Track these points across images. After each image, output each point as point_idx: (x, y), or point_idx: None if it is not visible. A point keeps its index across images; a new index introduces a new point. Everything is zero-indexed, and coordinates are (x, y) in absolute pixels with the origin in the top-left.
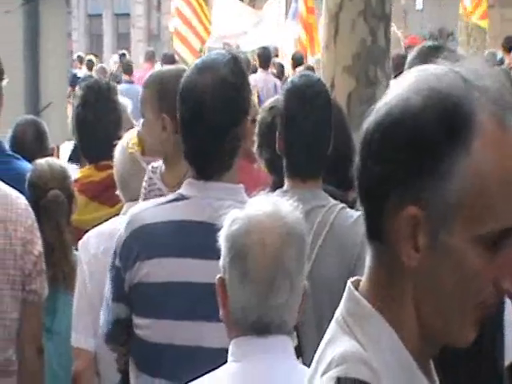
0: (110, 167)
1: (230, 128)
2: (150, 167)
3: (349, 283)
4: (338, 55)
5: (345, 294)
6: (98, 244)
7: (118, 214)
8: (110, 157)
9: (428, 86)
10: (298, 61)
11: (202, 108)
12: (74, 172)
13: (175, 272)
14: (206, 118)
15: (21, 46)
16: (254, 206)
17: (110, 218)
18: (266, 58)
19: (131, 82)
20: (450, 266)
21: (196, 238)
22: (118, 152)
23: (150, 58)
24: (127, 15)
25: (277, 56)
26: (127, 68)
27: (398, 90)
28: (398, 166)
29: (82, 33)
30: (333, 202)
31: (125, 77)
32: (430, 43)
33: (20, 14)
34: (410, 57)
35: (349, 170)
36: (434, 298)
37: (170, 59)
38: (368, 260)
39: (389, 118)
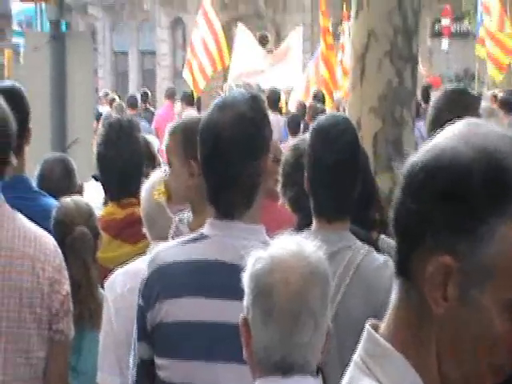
0: (133, 205)
1: (249, 163)
2: (177, 218)
3: (367, 325)
4: (364, 96)
5: (363, 336)
6: (124, 282)
7: (141, 253)
8: (133, 194)
9: (479, 141)
10: (319, 98)
11: (221, 143)
12: (98, 210)
13: (193, 312)
14: (224, 153)
15: (48, 81)
16: (278, 246)
17: (133, 255)
18: (274, 99)
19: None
20: (475, 321)
21: (216, 278)
22: (144, 191)
23: (170, 95)
24: (153, 53)
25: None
26: (132, 103)
27: (446, 137)
28: (437, 210)
29: (107, 70)
30: (359, 244)
31: (130, 111)
32: (453, 86)
33: (47, 51)
34: (434, 99)
35: (371, 210)
36: (453, 349)
37: (188, 98)
38: (394, 298)
39: (435, 162)
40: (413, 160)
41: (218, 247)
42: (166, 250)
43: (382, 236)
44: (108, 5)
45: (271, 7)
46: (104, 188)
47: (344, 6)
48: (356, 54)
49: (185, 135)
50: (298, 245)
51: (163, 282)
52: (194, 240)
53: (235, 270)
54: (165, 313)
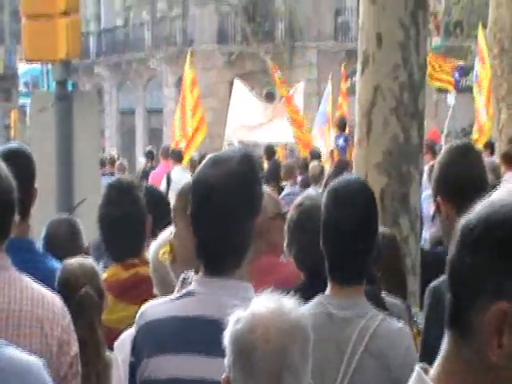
0: (136, 265)
1: (240, 222)
2: (181, 277)
3: (417, 368)
4: (370, 152)
5: (413, 378)
6: None
7: None
8: (136, 254)
9: None
10: (315, 155)
11: (211, 199)
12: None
13: (179, 368)
14: (215, 209)
15: (54, 142)
16: (258, 304)
17: None
18: None
19: (112, 174)
20: None
21: (201, 335)
22: (153, 249)
23: (165, 153)
24: (159, 111)
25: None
26: (100, 161)
27: (501, 194)
28: (494, 261)
29: (114, 129)
30: (374, 311)
31: (103, 169)
32: (458, 142)
33: (53, 111)
34: (440, 155)
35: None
36: None
37: (176, 154)
38: (444, 349)
39: (492, 216)
40: (469, 216)
41: (204, 304)
42: (153, 307)
43: (383, 294)
44: (114, 64)
45: (277, 64)
46: (107, 249)
47: (342, 65)
48: (362, 110)
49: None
50: (278, 302)
51: (150, 339)
52: (181, 297)
53: (220, 327)
54: (151, 369)
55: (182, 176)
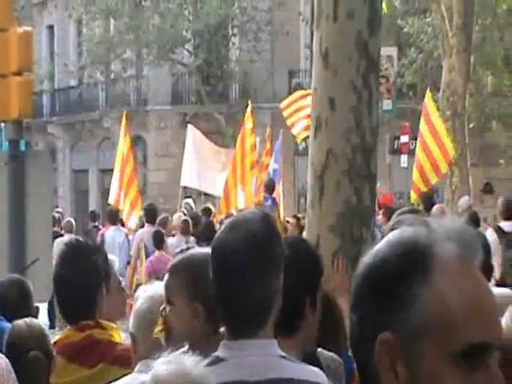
0: (91, 327)
1: (262, 282)
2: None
3: None
4: (322, 214)
5: None
6: None
7: (98, 376)
8: (90, 316)
9: (395, 236)
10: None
11: (234, 263)
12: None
13: None
14: (238, 273)
15: (6, 202)
16: (158, 367)
17: (90, 380)
18: (152, 212)
19: (61, 235)
20: None
21: None
22: (133, 314)
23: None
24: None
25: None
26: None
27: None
28: (369, 302)
29: (67, 188)
30: None
31: (57, 229)
32: (409, 207)
33: (5, 170)
34: (392, 220)
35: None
36: None
37: (113, 216)
38: None
39: (362, 266)
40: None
41: (236, 368)
42: None
43: (319, 349)
44: (68, 123)
45: (231, 124)
46: (61, 310)
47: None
48: (315, 173)
49: (191, 274)
50: (178, 363)
51: None
52: (209, 364)
53: None
54: None
55: (115, 236)
